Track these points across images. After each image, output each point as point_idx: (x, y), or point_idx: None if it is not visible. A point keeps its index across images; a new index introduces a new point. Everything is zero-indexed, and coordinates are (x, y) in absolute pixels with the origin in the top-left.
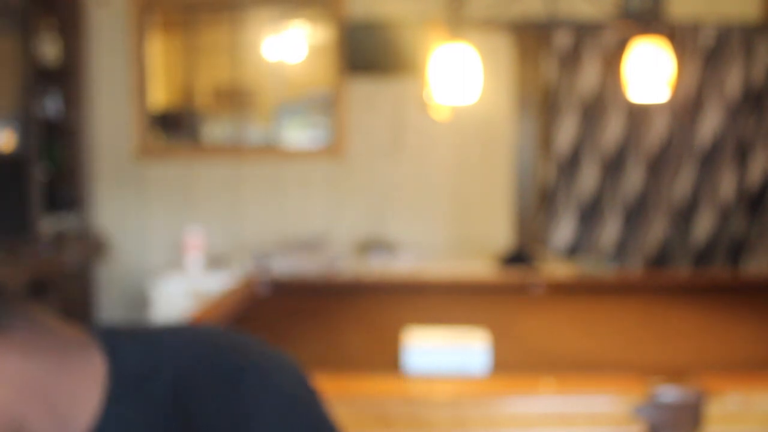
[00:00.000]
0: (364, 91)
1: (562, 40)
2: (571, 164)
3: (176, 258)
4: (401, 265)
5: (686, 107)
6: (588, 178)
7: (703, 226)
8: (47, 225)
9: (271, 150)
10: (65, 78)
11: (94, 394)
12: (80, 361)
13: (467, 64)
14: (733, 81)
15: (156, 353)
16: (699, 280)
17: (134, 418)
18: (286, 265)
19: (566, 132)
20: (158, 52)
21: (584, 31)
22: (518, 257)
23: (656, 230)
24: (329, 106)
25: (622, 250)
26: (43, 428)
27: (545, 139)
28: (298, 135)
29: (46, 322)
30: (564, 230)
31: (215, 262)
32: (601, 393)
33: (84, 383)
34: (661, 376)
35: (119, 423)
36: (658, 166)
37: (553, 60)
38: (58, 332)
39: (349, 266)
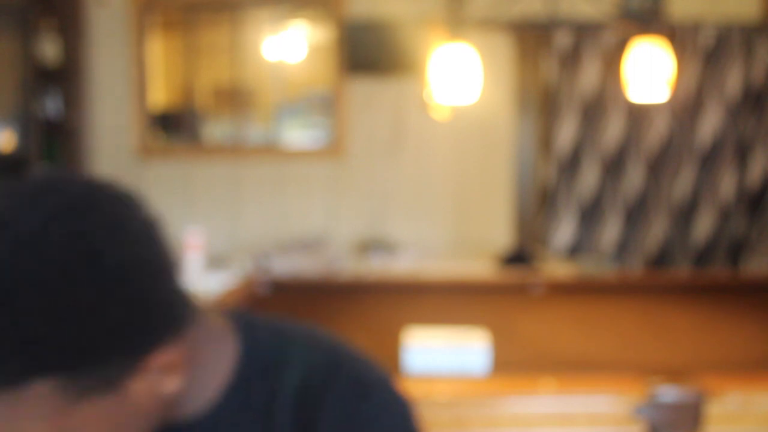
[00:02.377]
0: (364, 91)
1: (562, 40)
2: (571, 164)
3: (176, 258)
4: (401, 265)
5: (686, 107)
6: (588, 178)
7: (703, 226)
8: None
9: (271, 150)
10: (65, 78)
11: (221, 377)
12: (218, 346)
13: (467, 64)
14: (733, 81)
15: (287, 347)
16: (699, 280)
17: (255, 403)
18: (286, 265)
19: (566, 132)
20: (158, 52)
21: (584, 31)
22: (518, 257)
23: (656, 230)
24: (329, 106)
25: (622, 250)
26: (182, 402)
27: (545, 139)
28: (298, 135)
29: (199, 313)
30: (564, 230)
31: (215, 262)
32: (601, 393)
33: (216, 365)
34: (661, 376)
35: (240, 406)
36: (659, 166)
37: (553, 60)
38: (203, 320)
39: (349, 266)
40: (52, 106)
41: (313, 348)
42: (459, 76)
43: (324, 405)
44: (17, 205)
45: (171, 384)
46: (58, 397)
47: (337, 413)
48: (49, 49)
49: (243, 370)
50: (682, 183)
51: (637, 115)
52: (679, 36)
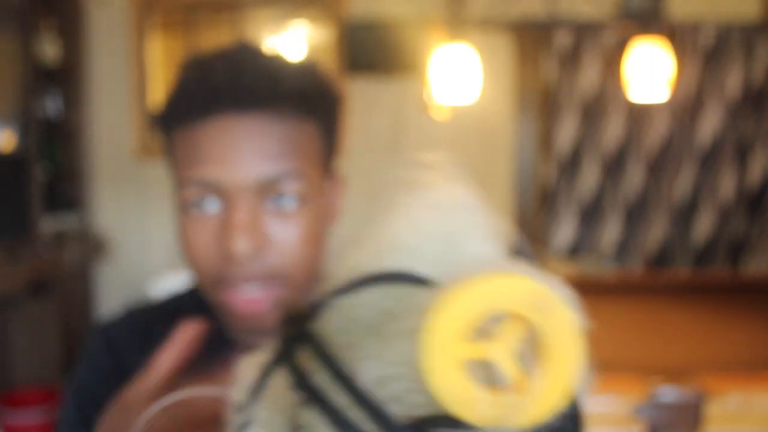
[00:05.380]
0: (364, 91)
1: (562, 40)
2: (571, 164)
3: (176, 258)
4: None
5: (686, 107)
6: (588, 178)
7: (703, 226)
8: (47, 225)
9: None
10: (65, 78)
11: None
12: None
13: (467, 64)
14: (733, 81)
15: None
16: (699, 280)
17: None
18: None
19: (566, 132)
20: (158, 52)
21: (584, 31)
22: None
23: (656, 230)
24: None
25: (622, 250)
26: None
27: (545, 139)
28: None
29: None
30: (564, 230)
31: None
32: (601, 393)
33: None
34: (661, 376)
35: None
36: (659, 166)
37: (553, 60)
38: None
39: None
40: (52, 106)
41: None
42: (459, 76)
43: None
44: None
45: (335, 218)
46: (319, 147)
47: None
48: (49, 49)
49: None
50: (682, 183)
51: (637, 115)
52: (679, 36)
